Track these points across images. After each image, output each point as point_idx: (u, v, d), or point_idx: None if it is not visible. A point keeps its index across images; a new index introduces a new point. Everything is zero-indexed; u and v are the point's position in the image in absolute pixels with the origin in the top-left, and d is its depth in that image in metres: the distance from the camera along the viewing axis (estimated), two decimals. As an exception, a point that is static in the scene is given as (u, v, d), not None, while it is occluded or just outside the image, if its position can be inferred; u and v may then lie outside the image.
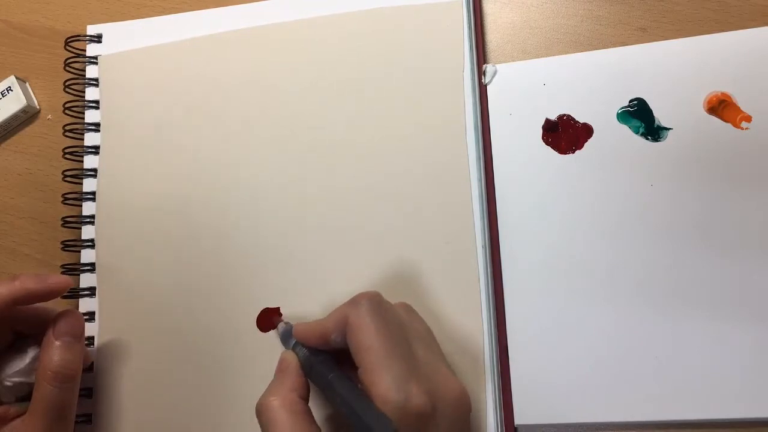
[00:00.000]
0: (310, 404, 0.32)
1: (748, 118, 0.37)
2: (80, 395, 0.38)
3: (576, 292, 0.37)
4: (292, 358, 0.34)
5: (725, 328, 0.35)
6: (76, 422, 0.38)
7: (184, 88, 0.44)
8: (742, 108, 0.37)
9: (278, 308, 0.40)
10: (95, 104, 0.45)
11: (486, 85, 0.41)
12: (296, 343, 0.35)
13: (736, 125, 0.37)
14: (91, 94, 0.46)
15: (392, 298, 0.34)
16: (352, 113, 0.42)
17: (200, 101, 0.44)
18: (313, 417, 0.31)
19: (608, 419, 0.36)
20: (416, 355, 0.31)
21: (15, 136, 0.49)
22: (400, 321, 0.33)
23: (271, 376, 0.34)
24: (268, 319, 0.40)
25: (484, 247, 0.38)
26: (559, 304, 0.38)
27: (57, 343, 0.35)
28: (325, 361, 0.33)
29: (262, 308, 0.40)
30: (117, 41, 0.46)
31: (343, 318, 0.32)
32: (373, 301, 0.32)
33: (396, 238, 0.39)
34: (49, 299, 0.37)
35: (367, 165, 0.40)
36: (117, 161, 0.44)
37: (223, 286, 0.41)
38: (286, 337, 0.36)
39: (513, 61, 0.42)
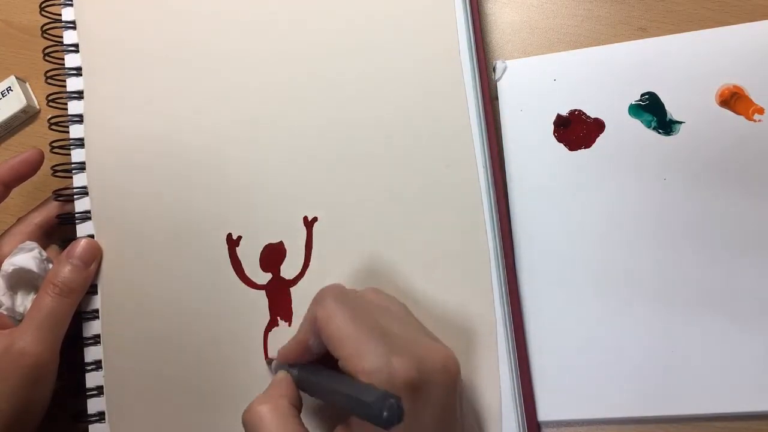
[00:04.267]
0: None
1: (761, 111, 0.37)
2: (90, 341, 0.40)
3: (591, 288, 0.37)
4: (283, 374, 0.34)
5: (744, 321, 0.35)
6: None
7: (166, 25, 0.43)
8: (754, 100, 0.38)
9: (281, 242, 0.39)
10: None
11: (497, 82, 0.41)
12: (290, 366, 0.34)
13: (749, 118, 0.38)
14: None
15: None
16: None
17: (188, 37, 0.43)
18: (303, 424, 0.30)
19: (630, 414, 0.36)
20: (392, 332, 0.31)
21: (15, 136, 0.48)
22: (369, 304, 0.33)
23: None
24: (273, 254, 0.39)
25: (495, 246, 0.37)
26: (575, 301, 0.37)
27: (67, 263, 0.39)
28: (316, 370, 0.33)
29: (265, 245, 0.40)
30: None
31: (312, 319, 0.32)
32: (335, 291, 0.32)
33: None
34: (30, 171, 0.41)
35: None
36: (101, 102, 0.43)
37: (221, 220, 0.40)
38: (279, 368, 0.35)
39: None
